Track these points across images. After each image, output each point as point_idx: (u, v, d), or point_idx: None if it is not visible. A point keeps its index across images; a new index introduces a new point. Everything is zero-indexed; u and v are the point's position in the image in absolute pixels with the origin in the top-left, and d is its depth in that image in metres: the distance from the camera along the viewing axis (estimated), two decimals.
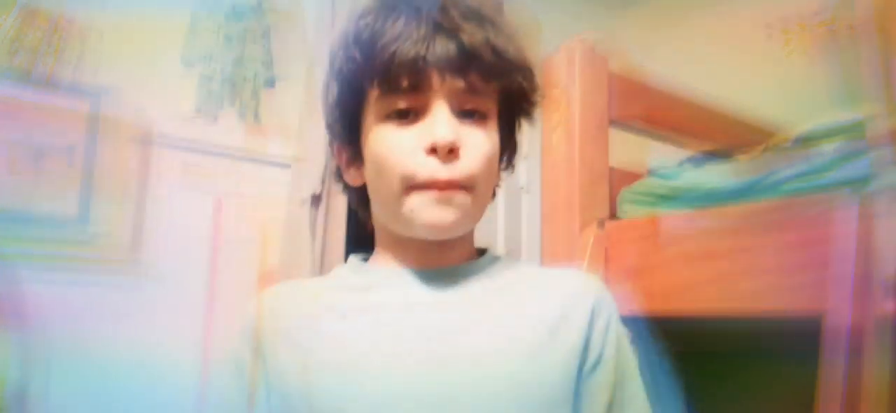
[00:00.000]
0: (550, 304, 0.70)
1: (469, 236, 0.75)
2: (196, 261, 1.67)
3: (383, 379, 0.64)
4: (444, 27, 0.63)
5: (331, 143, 0.78)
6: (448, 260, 0.72)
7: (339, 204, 1.75)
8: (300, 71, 1.83)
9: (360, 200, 0.78)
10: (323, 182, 1.70)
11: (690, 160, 1.13)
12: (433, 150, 0.64)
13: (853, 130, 0.80)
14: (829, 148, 0.83)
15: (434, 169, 0.64)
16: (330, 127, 0.75)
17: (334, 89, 0.70)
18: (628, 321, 1.11)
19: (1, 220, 1.39)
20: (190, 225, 1.67)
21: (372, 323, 0.68)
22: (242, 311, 0.74)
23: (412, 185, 0.65)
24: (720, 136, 1.34)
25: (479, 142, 0.67)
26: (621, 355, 0.72)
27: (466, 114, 0.66)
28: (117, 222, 1.55)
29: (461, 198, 0.65)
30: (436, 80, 0.64)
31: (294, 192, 1.74)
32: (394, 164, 0.65)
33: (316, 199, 1.70)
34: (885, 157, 0.75)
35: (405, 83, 0.63)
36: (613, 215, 1.21)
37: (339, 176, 0.79)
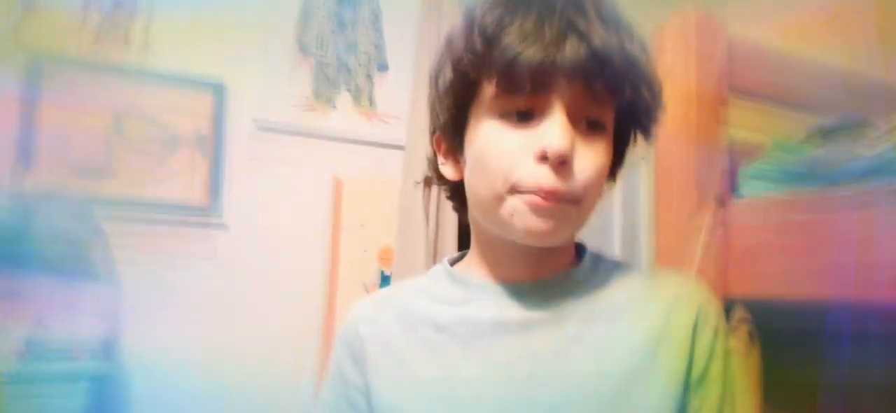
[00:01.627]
0: (650, 321, 0.66)
1: (569, 238, 0.71)
2: (318, 242, 1.75)
3: (474, 402, 0.63)
4: (576, 28, 0.59)
5: (431, 130, 0.76)
6: (545, 268, 0.69)
7: None
8: (410, 55, 1.85)
9: (454, 194, 0.76)
10: (429, 158, 1.71)
11: (819, 131, 1.02)
12: (543, 157, 0.60)
13: None
14: None
15: (541, 177, 0.60)
16: (434, 113, 0.71)
17: (448, 76, 0.66)
18: (749, 305, 1.04)
19: (132, 207, 1.51)
20: (310, 208, 1.75)
21: (466, 340, 0.66)
22: (344, 321, 0.76)
23: (515, 189, 0.61)
24: (853, 102, 1.20)
25: (592, 155, 0.62)
26: (729, 372, 0.67)
27: (585, 122, 0.62)
28: (244, 208, 1.64)
29: (565, 209, 0.61)
30: (560, 83, 0.60)
31: (407, 174, 1.77)
32: (499, 165, 0.62)
33: (428, 181, 1.72)
34: None
35: (528, 85, 0.59)
36: (734, 193, 1.13)
37: (432, 166, 0.77)
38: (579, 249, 0.74)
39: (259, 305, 1.63)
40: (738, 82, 1.18)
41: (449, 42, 0.68)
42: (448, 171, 0.71)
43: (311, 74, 1.78)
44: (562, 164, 0.60)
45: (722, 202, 1.08)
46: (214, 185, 1.60)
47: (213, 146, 1.61)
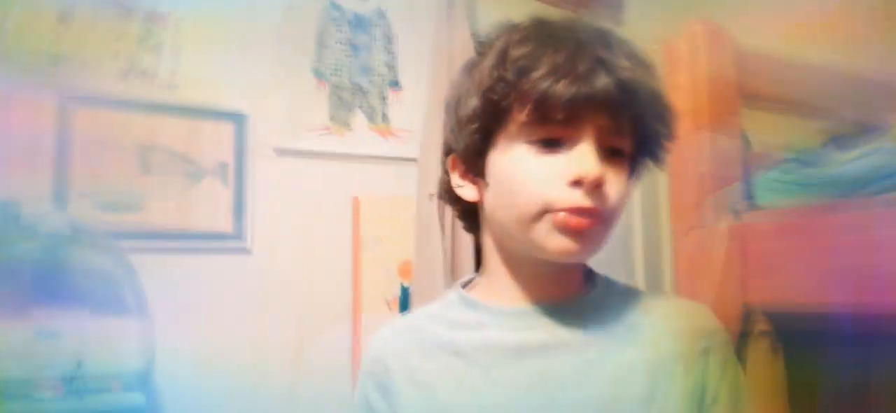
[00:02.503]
0: (662, 345, 0.69)
1: (580, 265, 0.75)
2: (340, 260, 1.79)
3: None
4: (605, 63, 0.63)
5: (446, 152, 0.78)
6: (559, 291, 0.72)
7: None
8: (422, 71, 1.88)
9: (465, 216, 0.79)
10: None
11: (834, 141, 1.04)
12: (577, 183, 0.64)
13: None
14: None
15: (577, 199, 0.64)
16: (455, 138, 0.73)
17: (473, 104, 0.69)
18: (769, 315, 1.06)
19: (161, 239, 1.54)
20: (331, 227, 1.79)
21: (487, 365, 0.69)
22: (367, 351, 0.78)
23: (547, 210, 0.65)
24: (869, 108, 1.22)
25: (617, 180, 0.66)
26: (737, 394, 0.70)
27: (608, 150, 0.66)
28: (267, 234, 1.68)
29: (594, 229, 0.65)
30: (589, 115, 0.64)
31: (422, 187, 1.80)
32: (533, 190, 0.65)
33: (442, 195, 1.75)
34: None
35: (560, 116, 0.63)
36: (750, 204, 1.15)
37: (444, 188, 0.79)
38: (588, 273, 0.77)
39: (286, 326, 1.67)
40: (749, 91, 1.20)
41: (471, 71, 0.71)
42: (466, 192, 0.74)
43: (328, 99, 1.81)
44: (595, 188, 0.64)
45: (738, 215, 1.10)
46: (237, 212, 1.64)
47: (235, 174, 1.64)
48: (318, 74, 1.80)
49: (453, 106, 0.74)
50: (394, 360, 0.74)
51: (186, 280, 1.52)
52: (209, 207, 1.60)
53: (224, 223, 1.62)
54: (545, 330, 0.69)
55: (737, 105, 1.15)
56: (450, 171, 0.76)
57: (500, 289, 0.73)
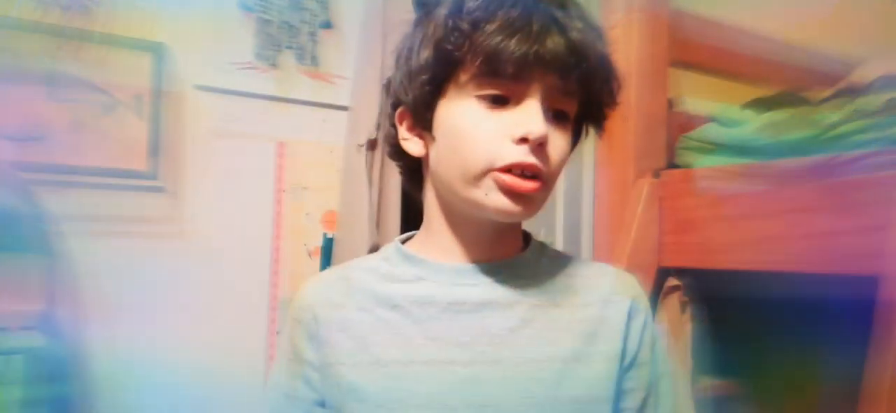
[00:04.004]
0: (589, 308, 0.72)
1: (518, 225, 0.76)
2: (261, 206, 1.73)
3: (431, 380, 0.67)
4: (558, 23, 0.64)
5: (393, 105, 0.77)
6: (497, 250, 0.73)
7: None
8: (355, 15, 1.82)
9: (410, 171, 0.78)
10: (378, 127, 1.70)
11: (754, 105, 1.06)
12: (523, 140, 0.64)
13: None
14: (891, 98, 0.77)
15: (521, 155, 0.64)
16: (404, 90, 0.73)
17: (426, 55, 0.69)
18: (681, 273, 1.09)
19: (69, 173, 1.46)
20: (254, 171, 1.73)
21: (422, 319, 0.69)
22: (296, 300, 0.76)
23: (496, 168, 0.65)
24: (791, 76, 1.25)
25: (561, 142, 0.68)
26: (656, 355, 0.74)
27: (554, 112, 0.67)
28: (183, 173, 1.61)
29: (535, 193, 0.66)
30: (538, 74, 0.64)
31: (350, 137, 1.76)
32: (478, 146, 0.66)
33: (371, 145, 1.72)
34: None
35: (510, 71, 0.63)
36: (673, 163, 1.17)
37: (389, 141, 0.78)
38: (524, 235, 0.78)
39: (202, 269, 1.61)
40: (680, 54, 1.21)
41: (423, 21, 0.69)
42: (412, 146, 0.74)
43: (253, 33, 1.73)
44: (539, 147, 0.65)
45: (657, 174, 1.12)
46: (153, 149, 1.56)
47: (151, 109, 1.56)
48: (244, 5, 1.72)
49: (404, 56, 0.74)
50: (324, 310, 0.74)
51: (98, 219, 1.45)
52: (123, 143, 1.51)
53: (139, 160, 1.54)
54: (482, 287, 0.71)
55: (665, 65, 1.16)
56: (397, 124, 0.75)
57: (439, 245, 0.74)
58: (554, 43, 0.63)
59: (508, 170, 0.65)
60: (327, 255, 1.78)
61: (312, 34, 1.83)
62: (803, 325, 1.08)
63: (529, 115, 0.64)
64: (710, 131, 1.09)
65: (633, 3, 1.17)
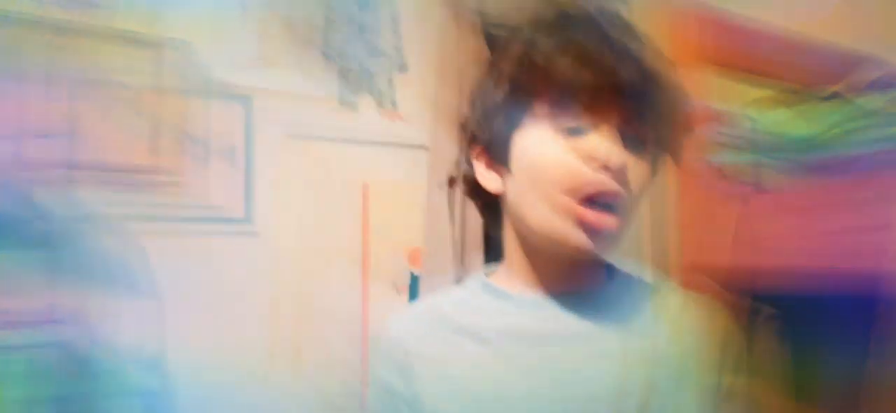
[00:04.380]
0: (680, 341, 0.71)
1: (599, 258, 0.76)
2: (349, 247, 1.79)
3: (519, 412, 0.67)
4: (629, 53, 0.66)
5: (471, 143, 0.79)
6: (579, 282, 0.74)
7: None
8: (430, 56, 1.88)
9: (488, 208, 0.80)
10: (458, 165, 1.74)
11: (757, 105, 1.05)
12: (604, 167, 0.66)
13: None
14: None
15: (603, 181, 0.66)
16: (480, 128, 0.76)
17: (501, 91, 0.71)
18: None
19: (169, 220, 1.54)
20: (340, 212, 1.79)
21: (509, 352, 0.70)
22: (385, 335, 0.79)
23: (578, 197, 0.66)
24: (797, 72, 1.22)
25: (640, 170, 0.69)
26: (750, 387, 0.72)
27: (628, 139, 0.68)
28: (278, 217, 1.68)
29: (615, 228, 0.67)
30: (614, 102, 0.66)
31: (432, 174, 1.80)
32: (559, 175, 0.67)
33: (452, 182, 1.75)
34: None
35: (586, 101, 0.65)
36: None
37: (467, 180, 0.81)
38: (608, 266, 0.79)
39: (295, 310, 1.67)
40: (709, 53, 1.19)
41: (497, 60, 0.72)
42: (491, 183, 0.75)
43: (335, 81, 1.81)
44: (619, 173, 0.66)
45: (746, 198, 1.10)
46: (247, 195, 1.64)
47: (245, 155, 1.65)
48: (326, 55, 1.80)
49: (479, 95, 0.76)
50: (414, 344, 0.75)
51: (197, 263, 1.53)
52: (218, 189, 1.60)
53: (234, 205, 1.62)
54: (562, 319, 0.71)
55: (697, 65, 1.15)
56: (474, 162, 0.78)
57: (521, 278, 0.75)
58: (628, 72, 0.64)
59: (589, 199, 0.66)
60: (414, 292, 1.81)
61: (390, 79, 1.89)
62: (808, 323, 1.05)
63: (608, 142, 0.66)
64: (716, 130, 1.08)
65: (660, 5, 1.17)
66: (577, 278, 0.73)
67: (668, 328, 0.71)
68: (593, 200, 0.66)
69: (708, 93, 1.24)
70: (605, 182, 0.65)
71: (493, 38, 0.72)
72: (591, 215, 0.65)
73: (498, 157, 0.73)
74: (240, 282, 1.61)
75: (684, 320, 0.72)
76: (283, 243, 1.68)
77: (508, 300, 0.74)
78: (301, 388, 1.58)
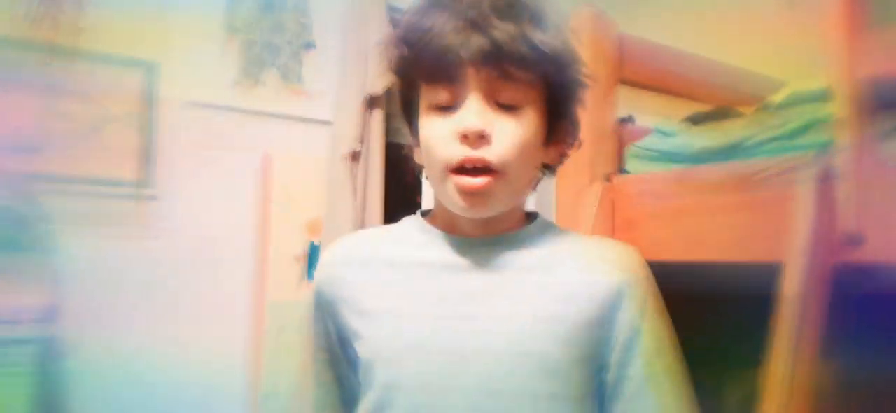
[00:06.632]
0: (576, 273, 0.75)
1: (515, 206, 0.80)
2: (248, 216, 1.85)
3: (413, 328, 0.75)
4: (478, 23, 0.69)
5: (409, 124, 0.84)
6: (496, 227, 0.78)
7: (377, 160, 1.88)
8: (336, 34, 1.94)
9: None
10: (361, 140, 1.82)
11: (690, 119, 1.20)
12: (465, 137, 0.70)
13: (819, 98, 0.87)
14: (796, 113, 0.90)
15: (466, 151, 0.70)
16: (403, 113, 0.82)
17: (396, 81, 0.78)
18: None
19: (67, 183, 1.56)
20: (241, 183, 1.84)
21: (413, 278, 0.78)
22: (323, 258, 0.85)
23: (450, 169, 0.71)
24: (722, 94, 1.39)
25: (510, 129, 0.71)
26: (655, 327, 0.75)
27: (502, 105, 0.71)
28: (173, 185, 1.72)
29: (490, 187, 0.71)
30: (470, 72, 0.70)
31: (334, 149, 1.88)
32: (435, 151, 0.73)
33: (355, 156, 1.84)
34: (845, 124, 0.81)
35: (443, 75, 0.70)
36: (623, 169, 1.29)
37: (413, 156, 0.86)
38: (531, 215, 0.84)
39: (192, 273, 1.71)
40: (627, 74, 1.34)
41: (386, 54, 0.79)
42: (417, 156, 0.83)
43: (240, 54, 1.84)
44: (481, 139, 0.71)
45: (608, 178, 1.25)
46: (146, 160, 1.66)
47: (145, 123, 1.67)
48: (231, 28, 1.83)
49: (395, 87, 0.81)
50: (340, 268, 0.81)
51: (94, 224, 1.55)
52: (118, 154, 1.62)
53: (133, 171, 1.64)
54: (475, 254, 0.77)
55: (613, 83, 1.29)
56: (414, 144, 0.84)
57: (446, 221, 0.81)
58: (476, 39, 0.68)
59: (460, 168, 0.71)
60: (312, 261, 1.89)
61: (296, 55, 1.94)
62: (721, 316, 1.20)
63: (466, 113, 0.70)
64: (653, 141, 1.22)
65: (583, 26, 1.29)
66: (489, 224, 0.77)
67: (577, 264, 0.75)
68: (464, 168, 0.70)
69: (624, 107, 1.38)
70: (466, 151, 0.69)
71: (395, 21, 0.77)
72: (463, 181, 0.70)
73: (413, 134, 0.80)
74: (135, 238, 1.65)
75: (593, 258, 0.76)
76: (182, 208, 1.72)
77: (433, 235, 0.80)
78: (191, 349, 1.62)
